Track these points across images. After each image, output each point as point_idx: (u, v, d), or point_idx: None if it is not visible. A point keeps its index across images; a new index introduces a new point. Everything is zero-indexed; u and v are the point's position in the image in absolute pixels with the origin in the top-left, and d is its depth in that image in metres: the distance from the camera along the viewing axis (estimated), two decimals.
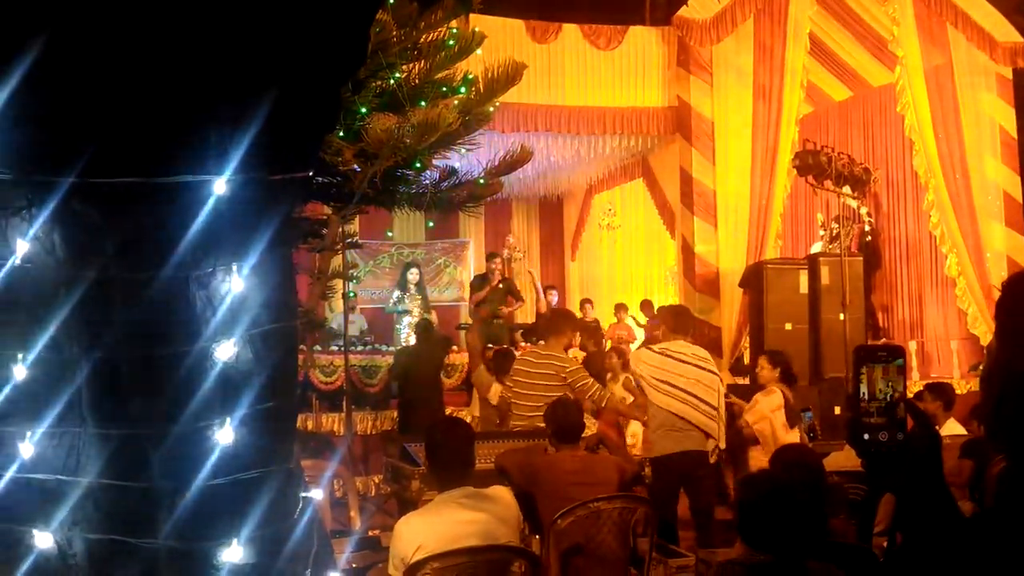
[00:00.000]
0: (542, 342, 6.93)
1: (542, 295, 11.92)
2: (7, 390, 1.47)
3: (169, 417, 1.49)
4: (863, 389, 1.57)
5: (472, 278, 12.49)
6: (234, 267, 1.47)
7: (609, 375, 7.82)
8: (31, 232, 1.40)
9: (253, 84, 1.37)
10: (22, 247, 1.41)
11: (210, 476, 1.53)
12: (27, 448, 1.50)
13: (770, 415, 6.37)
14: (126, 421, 1.48)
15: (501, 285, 11.31)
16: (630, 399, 7.26)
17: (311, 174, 1.57)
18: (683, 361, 5.98)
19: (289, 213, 1.60)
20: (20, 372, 1.47)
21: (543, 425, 5.70)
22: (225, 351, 1.51)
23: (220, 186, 1.39)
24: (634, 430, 7.37)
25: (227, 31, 1.34)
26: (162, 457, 1.51)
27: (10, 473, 1.50)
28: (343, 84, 1.69)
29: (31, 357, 1.46)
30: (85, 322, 1.44)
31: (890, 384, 1.56)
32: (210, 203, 1.38)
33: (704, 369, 6.02)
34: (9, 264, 1.41)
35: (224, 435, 1.53)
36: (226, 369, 1.51)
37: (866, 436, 1.55)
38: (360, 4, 1.53)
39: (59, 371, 1.47)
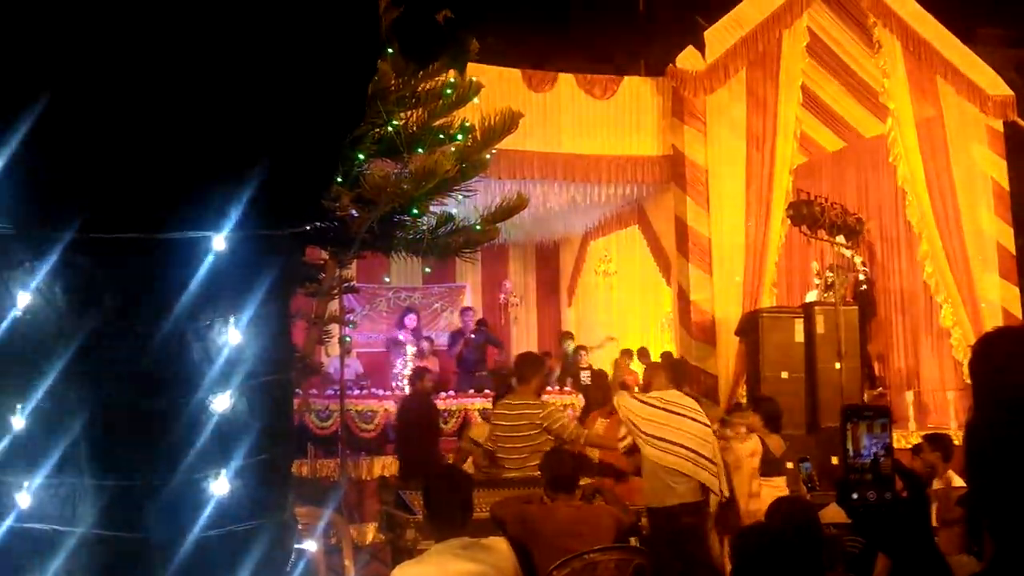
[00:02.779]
0: (516, 390, 6.90)
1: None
2: (5, 440, 1.48)
3: (165, 468, 1.50)
4: (849, 447, 1.59)
5: (448, 336, 12.58)
6: (231, 319, 1.50)
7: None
8: (33, 284, 1.42)
9: (252, 144, 1.41)
10: (23, 298, 1.43)
11: (205, 528, 1.53)
12: (24, 498, 1.51)
13: (744, 460, 6.36)
14: (122, 472, 1.49)
15: (473, 336, 11.41)
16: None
17: (309, 226, 1.60)
18: (679, 414, 5.95)
19: (286, 266, 1.62)
20: (18, 422, 1.48)
21: (536, 474, 5.67)
22: (221, 403, 1.53)
23: (219, 242, 1.42)
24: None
25: (227, 93, 1.37)
26: (157, 508, 1.51)
27: (7, 523, 1.50)
28: (342, 141, 1.72)
29: (29, 407, 1.47)
30: (84, 373, 1.46)
31: (876, 442, 1.58)
32: (209, 259, 1.41)
33: (698, 422, 6.01)
34: (11, 316, 1.43)
35: (219, 486, 1.54)
36: (222, 420, 1.53)
37: (854, 495, 1.57)
38: (357, 65, 1.57)
39: (57, 421, 1.49)
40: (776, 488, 6.38)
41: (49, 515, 1.50)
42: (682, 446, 5.83)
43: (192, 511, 1.52)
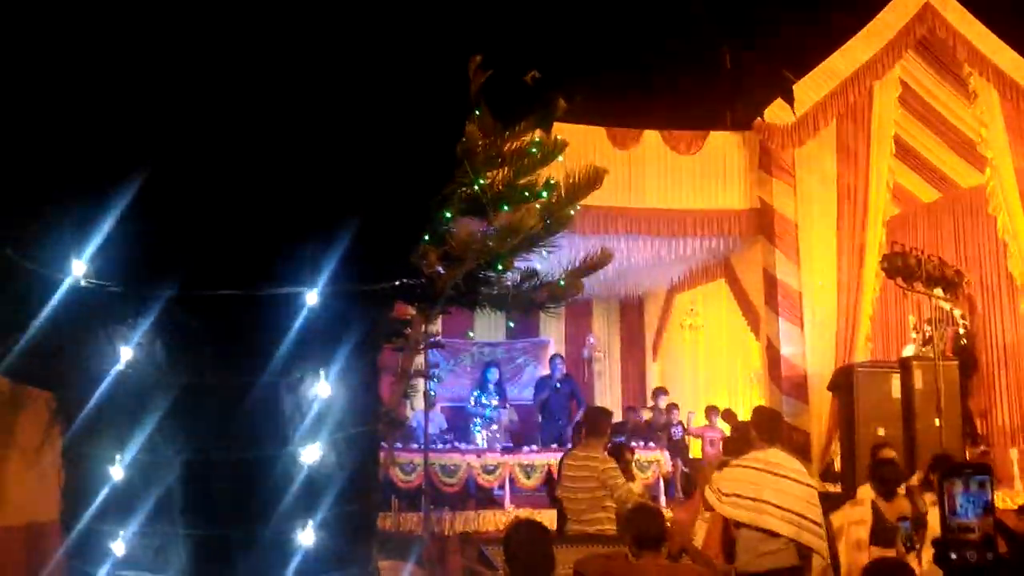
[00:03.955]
0: (584, 442, 6.88)
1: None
2: (105, 490, 1.54)
3: (256, 519, 1.53)
4: (947, 506, 1.53)
5: (535, 382, 12.54)
6: (322, 373, 1.53)
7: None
8: (134, 339, 1.48)
9: (343, 203, 1.46)
10: (126, 353, 1.49)
11: None
12: (119, 546, 1.56)
13: (846, 528, 6.07)
14: (215, 522, 1.53)
15: (560, 385, 11.34)
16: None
17: (398, 282, 1.63)
18: (782, 476, 5.74)
19: (376, 321, 1.66)
20: (117, 472, 1.54)
21: (592, 530, 5.58)
22: (310, 454, 1.56)
23: (312, 297, 1.46)
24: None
25: (319, 155, 1.43)
26: (247, 558, 1.54)
27: (104, 571, 1.55)
28: (430, 200, 1.77)
29: (128, 458, 1.53)
30: (180, 425, 1.51)
31: (975, 500, 1.52)
32: (303, 313, 1.45)
33: (802, 483, 5.79)
34: (115, 370, 1.49)
35: (306, 537, 1.56)
36: (310, 472, 1.56)
37: (953, 555, 1.50)
38: (446, 127, 1.62)
39: (153, 472, 1.54)
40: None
41: (141, 563, 1.54)
42: (784, 508, 5.62)
43: (280, 562, 1.54)
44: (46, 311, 1.41)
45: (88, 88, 1.44)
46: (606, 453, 6.62)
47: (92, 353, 1.49)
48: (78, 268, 1.42)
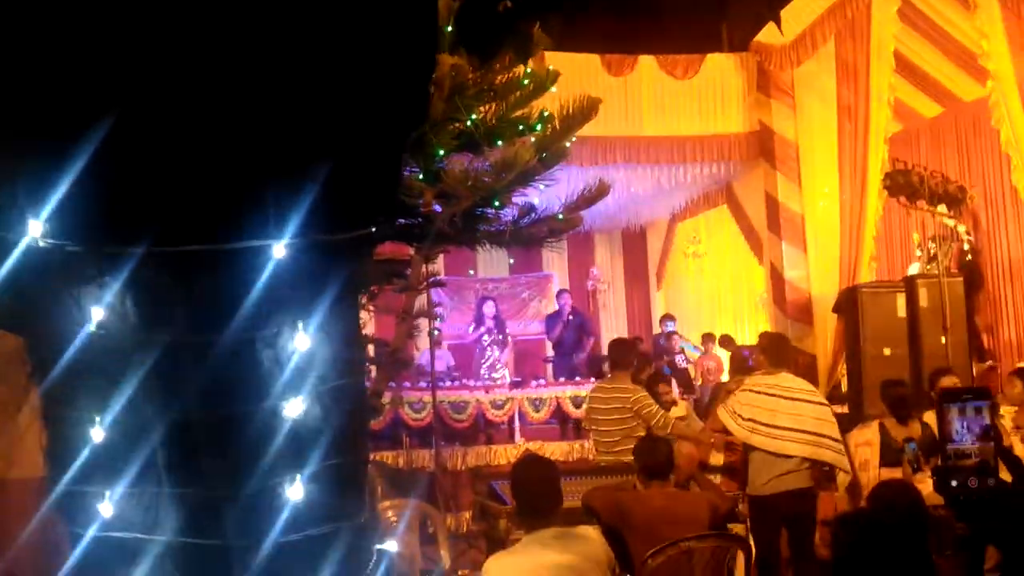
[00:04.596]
0: (610, 375, 6.92)
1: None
2: (86, 452, 1.52)
3: (242, 475, 1.52)
4: (948, 432, 1.50)
5: (546, 316, 12.55)
6: (300, 325, 1.50)
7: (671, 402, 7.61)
8: (105, 300, 1.45)
9: (310, 150, 1.40)
10: (97, 314, 1.46)
11: (283, 532, 1.54)
12: (107, 507, 1.55)
13: (853, 449, 6.10)
14: (201, 480, 1.52)
15: (571, 318, 11.35)
16: (695, 424, 7.13)
17: (373, 230, 1.59)
18: (793, 399, 5.76)
19: (355, 270, 1.62)
20: (98, 434, 1.52)
21: (628, 460, 5.62)
22: (294, 408, 1.53)
23: (280, 250, 1.42)
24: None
25: (281, 100, 1.37)
26: (236, 514, 1.53)
27: (91, 532, 1.54)
28: (404, 142, 1.71)
29: (108, 419, 1.51)
30: (158, 384, 1.49)
31: (975, 427, 1.49)
32: (270, 266, 1.41)
33: (814, 403, 5.82)
34: (84, 332, 1.46)
35: (294, 492, 1.55)
36: (295, 426, 1.53)
37: (953, 482, 1.49)
38: (415, 62, 1.55)
39: (136, 432, 1.52)
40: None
41: (132, 523, 1.54)
42: (801, 431, 5.65)
43: (270, 517, 1.53)
44: (3, 273, 1.37)
45: (39, 37, 1.38)
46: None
47: (61, 315, 1.46)
48: (35, 228, 1.38)
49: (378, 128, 1.54)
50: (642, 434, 6.04)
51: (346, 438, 1.62)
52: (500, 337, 11.36)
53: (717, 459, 6.75)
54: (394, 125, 1.58)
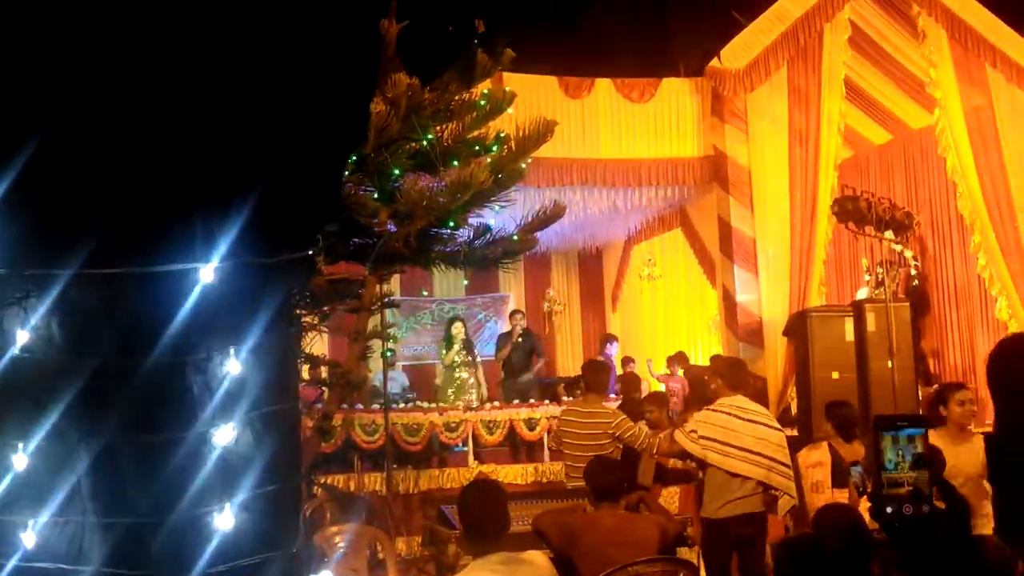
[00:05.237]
0: (583, 398, 6.91)
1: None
2: (8, 479, 1.47)
3: (168, 504, 1.47)
4: (883, 460, 1.51)
5: (498, 336, 12.50)
6: (231, 350, 1.47)
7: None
8: (30, 323, 1.40)
9: (240, 173, 1.38)
10: (22, 337, 1.41)
11: (210, 563, 1.50)
12: (29, 537, 1.50)
13: (803, 471, 6.15)
14: (126, 509, 1.47)
15: (521, 340, 11.35)
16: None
17: (312, 252, 1.56)
18: (750, 421, 5.82)
19: (291, 293, 1.59)
20: (20, 461, 1.47)
21: None
22: (224, 435, 1.49)
23: (208, 273, 1.39)
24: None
25: (211, 123, 1.34)
26: (163, 544, 1.49)
27: (12, 562, 1.49)
28: (343, 163, 1.68)
29: (31, 446, 1.46)
30: (84, 410, 1.44)
31: (911, 455, 1.51)
32: (197, 289, 1.38)
33: (772, 427, 5.88)
34: (8, 355, 1.41)
35: (224, 520, 1.51)
36: (225, 453, 1.50)
37: (888, 508, 1.50)
38: (356, 82, 1.53)
39: (60, 459, 1.47)
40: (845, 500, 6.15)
41: (56, 554, 1.48)
42: (755, 453, 5.71)
43: (198, 546, 1.49)
44: None
45: None
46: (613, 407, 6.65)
47: None
48: None
49: (315, 150, 1.52)
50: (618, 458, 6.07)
51: (279, 465, 1.59)
52: (469, 359, 11.22)
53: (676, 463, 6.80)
54: (332, 146, 1.56)
